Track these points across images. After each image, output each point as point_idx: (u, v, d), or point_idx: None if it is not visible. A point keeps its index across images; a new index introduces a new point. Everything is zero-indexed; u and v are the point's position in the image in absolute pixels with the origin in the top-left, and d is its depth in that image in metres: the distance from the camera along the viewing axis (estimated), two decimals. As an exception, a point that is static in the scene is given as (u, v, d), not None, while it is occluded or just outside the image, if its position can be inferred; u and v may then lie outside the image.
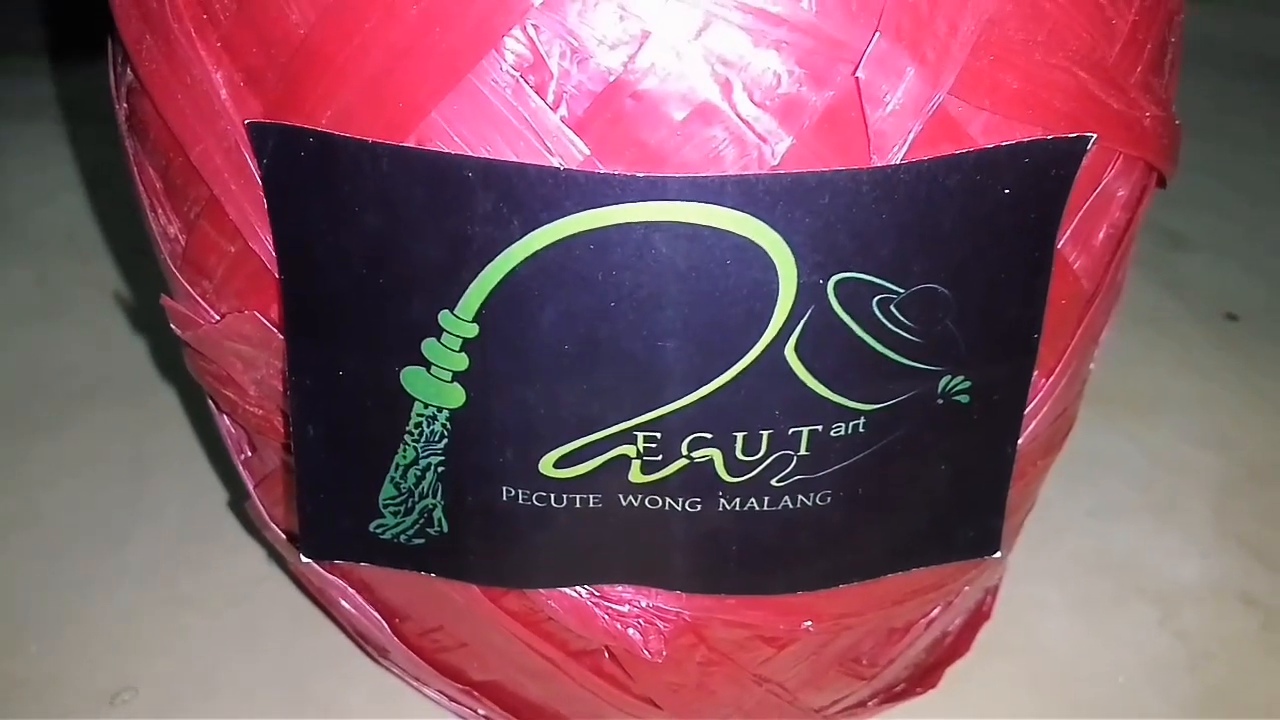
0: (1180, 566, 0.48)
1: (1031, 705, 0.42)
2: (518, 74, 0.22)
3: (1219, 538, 0.50)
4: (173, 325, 0.30)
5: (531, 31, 0.22)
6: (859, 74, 0.22)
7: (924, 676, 0.40)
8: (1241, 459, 0.54)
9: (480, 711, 0.37)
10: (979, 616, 0.42)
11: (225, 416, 0.35)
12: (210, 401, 0.35)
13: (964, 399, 0.27)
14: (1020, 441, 0.29)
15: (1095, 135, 0.24)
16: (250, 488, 0.35)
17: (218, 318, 0.29)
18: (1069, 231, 0.27)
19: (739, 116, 0.22)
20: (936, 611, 0.35)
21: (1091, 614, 0.46)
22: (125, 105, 0.30)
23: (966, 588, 0.34)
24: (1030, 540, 0.45)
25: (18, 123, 0.77)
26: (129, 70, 0.28)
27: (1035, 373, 0.28)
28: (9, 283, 0.63)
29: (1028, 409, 0.29)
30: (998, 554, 0.31)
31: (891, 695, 0.39)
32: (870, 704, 0.38)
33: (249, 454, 0.35)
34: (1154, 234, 0.70)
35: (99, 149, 0.73)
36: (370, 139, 0.23)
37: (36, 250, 0.66)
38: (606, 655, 0.31)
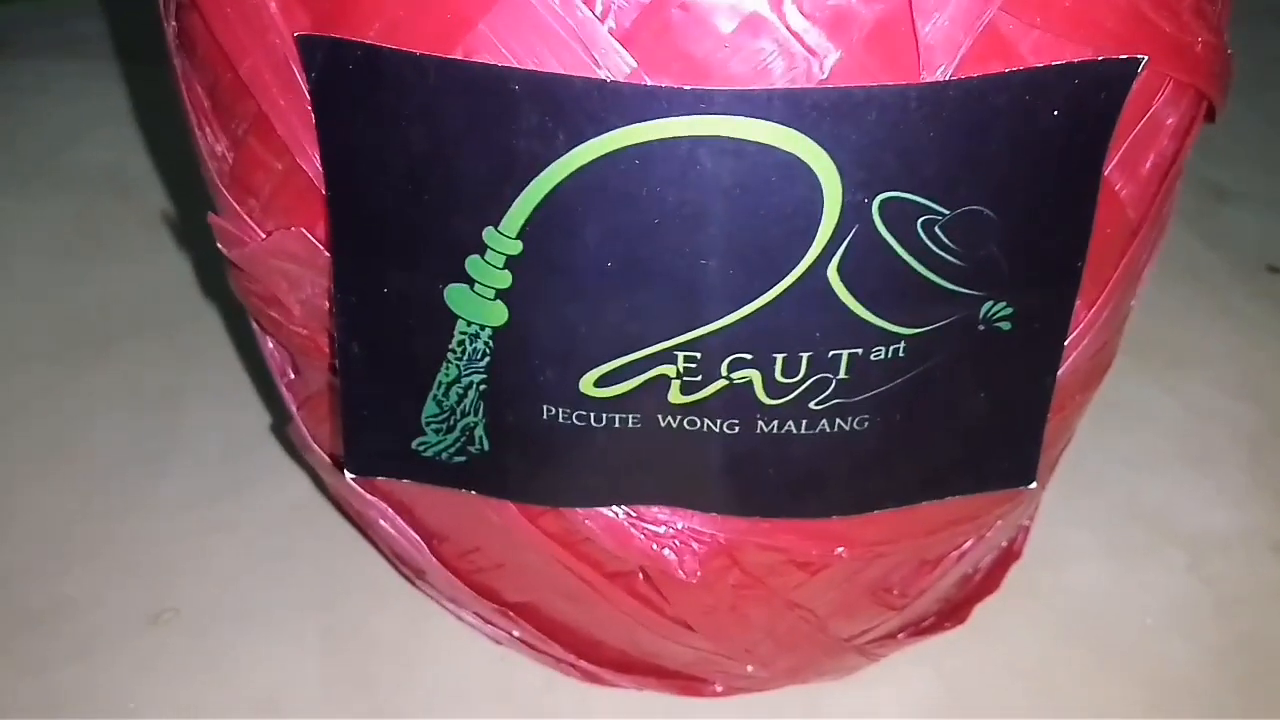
0: (1212, 515, 0.48)
1: (1058, 644, 0.42)
2: (566, -15, 0.22)
3: (1251, 487, 0.50)
4: (219, 244, 0.31)
5: (581, -59, 0.22)
6: (910, -14, 0.21)
7: (953, 612, 0.40)
8: (1277, 411, 0.54)
9: (515, 633, 0.37)
10: (1009, 555, 0.43)
11: (269, 339, 0.35)
12: (254, 324, 0.35)
13: (1005, 326, 0.27)
14: (1060, 373, 0.29)
15: (1146, 57, 0.24)
16: (293, 410, 0.36)
17: (264, 236, 0.29)
18: (1116, 158, 0.27)
19: (788, 28, 0.22)
20: (969, 544, 0.35)
21: (1121, 559, 0.46)
22: (174, 23, 0.30)
23: (999, 521, 0.35)
24: (1064, 486, 0.45)
25: (61, 59, 0.78)
26: (178, -14, 0.28)
27: (1078, 302, 0.28)
28: (52, 217, 0.64)
29: (1069, 339, 0.29)
30: (1033, 485, 0.31)
31: (920, 629, 0.40)
32: (899, 636, 0.39)
33: (293, 376, 0.35)
34: (1196, 186, 0.69)
35: (141, 86, 0.74)
36: (417, 51, 0.23)
37: (79, 185, 0.66)
38: (641, 577, 0.32)
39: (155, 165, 0.68)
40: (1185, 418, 0.54)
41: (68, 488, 0.47)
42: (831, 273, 0.25)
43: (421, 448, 0.30)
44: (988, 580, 0.41)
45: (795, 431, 0.28)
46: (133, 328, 0.56)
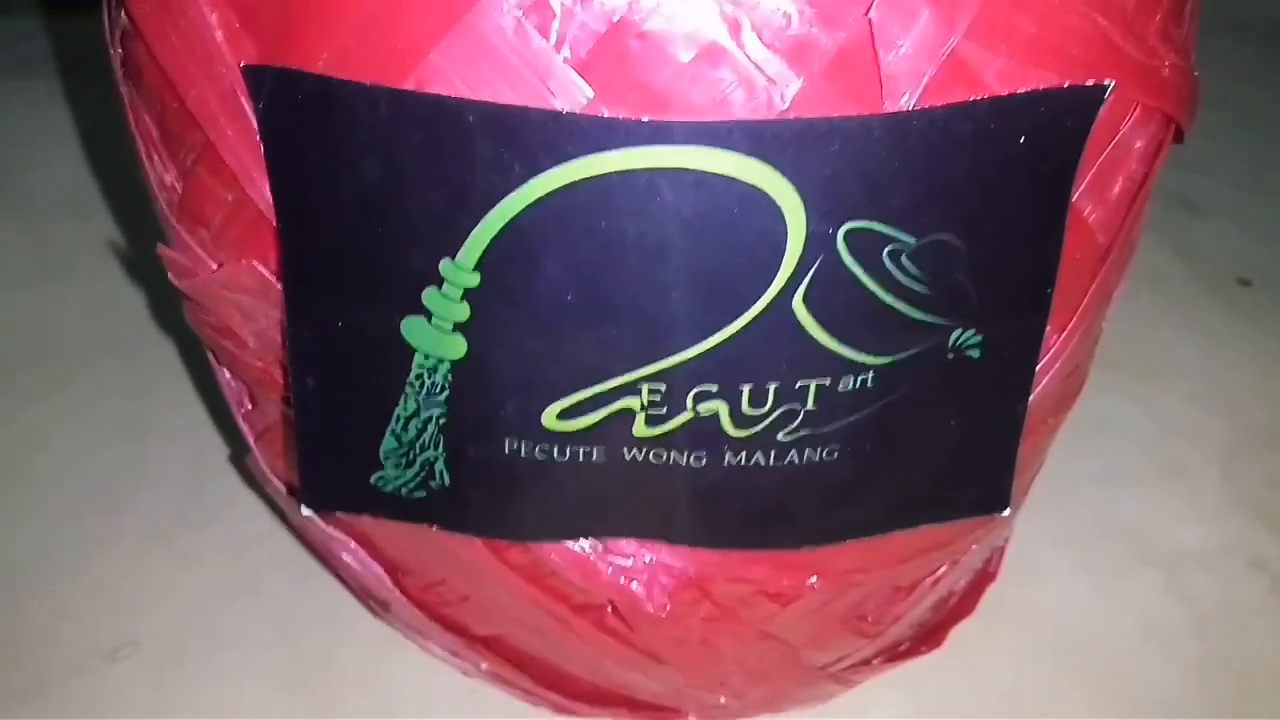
0: (1187, 531, 0.48)
1: (1035, 666, 0.42)
2: (519, 13, 0.22)
3: (1226, 502, 0.49)
4: (170, 275, 0.30)
5: (534, -32, 0.21)
6: (871, 15, 0.21)
7: (928, 636, 0.40)
8: (1250, 424, 0.54)
9: (483, 666, 0.36)
10: (984, 577, 0.42)
11: (225, 370, 0.34)
12: (210, 355, 0.35)
13: (975, 354, 0.26)
14: (1031, 399, 0.29)
15: (1113, 83, 0.23)
16: (250, 441, 0.35)
17: (215, 267, 0.28)
18: (1085, 184, 0.26)
19: (748, 58, 0.22)
20: (943, 570, 0.35)
21: (1097, 577, 0.46)
22: (120, 50, 0.29)
23: (974, 546, 0.34)
24: (1038, 503, 0.44)
25: (16, 81, 0.76)
26: (123, 14, 0.27)
27: (1048, 328, 0.27)
28: (7, 244, 0.62)
29: (1039, 365, 0.28)
30: (1006, 512, 0.30)
31: (895, 654, 0.39)
32: (874, 662, 0.38)
33: (249, 407, 0.35)
34: (1166, 199, 0.69)
35: (97, 108, 0.72)
36: (368, 82, 0.23)
37: (35, 211, 0.65)
38: (610, 610, 0.31)
39: (112, 190, 0.66)
40: (1158, 432, 0.53)
41: (25, 520, 0.46)
42: (797, 304, 0.24)
43: (380, 482, 0.29)
44: (963, 603, 0.41)
45: (763, 463, 0.27)
46: (92, 354, 0.55)
